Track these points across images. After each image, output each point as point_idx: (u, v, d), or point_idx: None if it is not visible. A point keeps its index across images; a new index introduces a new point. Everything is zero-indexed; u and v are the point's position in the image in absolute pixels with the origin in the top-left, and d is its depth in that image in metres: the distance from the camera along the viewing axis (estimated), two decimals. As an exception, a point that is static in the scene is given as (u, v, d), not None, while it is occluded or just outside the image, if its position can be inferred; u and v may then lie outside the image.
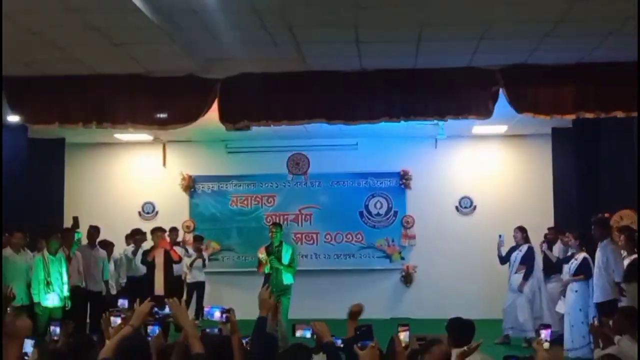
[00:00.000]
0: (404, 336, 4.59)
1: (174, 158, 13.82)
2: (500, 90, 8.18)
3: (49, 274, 9.37)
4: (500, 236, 10.60)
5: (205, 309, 4.75)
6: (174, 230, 11.93)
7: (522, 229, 10.58)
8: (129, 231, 11.86)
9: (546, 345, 4.74)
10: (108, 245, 11.16)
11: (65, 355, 4.64)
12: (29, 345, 4.68)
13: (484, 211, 13.23)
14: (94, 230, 10.96)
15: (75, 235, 10.36)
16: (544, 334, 4.87)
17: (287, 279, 9.96)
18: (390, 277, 13.41)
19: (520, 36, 7.29)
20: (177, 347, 4.38)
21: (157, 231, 10.51)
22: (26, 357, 4.59)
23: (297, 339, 4.62)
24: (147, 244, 11.22)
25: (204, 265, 12.14)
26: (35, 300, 9.35)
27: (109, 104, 8.62)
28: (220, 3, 6.27)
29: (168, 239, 10.60)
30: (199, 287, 12.14)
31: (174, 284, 10.54)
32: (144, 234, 11.53)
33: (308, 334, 4.56)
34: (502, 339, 10.34)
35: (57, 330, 5.80)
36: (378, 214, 13.47)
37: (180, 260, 10.87)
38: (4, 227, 9.48)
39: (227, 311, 4.61)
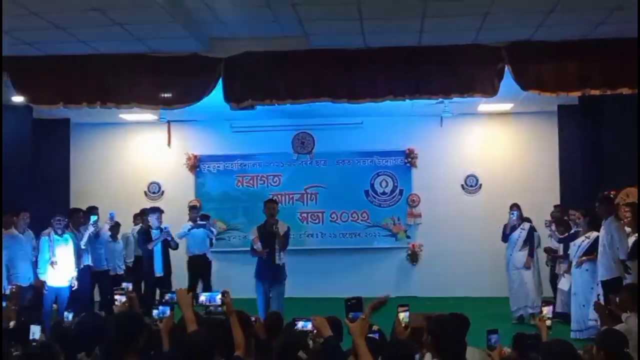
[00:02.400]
0: (403, 316, 4.63)
1: (179, 138, 13.81)
2: (506, 68, 8.13)
3: (54, 254, 9.39)
4: (512, 214, 10.53)
5: (205, 296, 4.75)
6: (193, 208, 12.07)
7: (517, 206, 10.57)
8: (134, 211, 11.86)
9: (549, 322, 4.76)
10: (115, 225, 11.17)
11: (76, 336, 4.69)
12: (37, 331, 4.72)
13: (490, 189, 13.20)
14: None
15: (91, 218, 10.34)
16: (547, 310, 4.88)
17: (279, 258, 9.07)
18: (396, 255, 13.42)
19: (525, 12, 7.23)
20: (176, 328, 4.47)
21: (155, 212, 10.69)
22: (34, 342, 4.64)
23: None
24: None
25: (210, 244, 12.07)
26: (41, 280, 9.38)
27: (113, 84, 8.64)
28: (223, -19, 6.25)
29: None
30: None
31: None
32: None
33: (308, 326, 4.60)
34: (517, 318, 10.34)
35: (70, 316, 5.87)
36: (384, 193, 13.46)
37: (177, 247, 10.93)
38: (10, 208, 9.51)
39: (222, 294, 4.65)
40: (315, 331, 4.49)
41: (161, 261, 10.45)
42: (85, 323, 4.87)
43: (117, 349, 3.77)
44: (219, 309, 4.71)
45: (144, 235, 10.58)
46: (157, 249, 10.44)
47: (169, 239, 10.59)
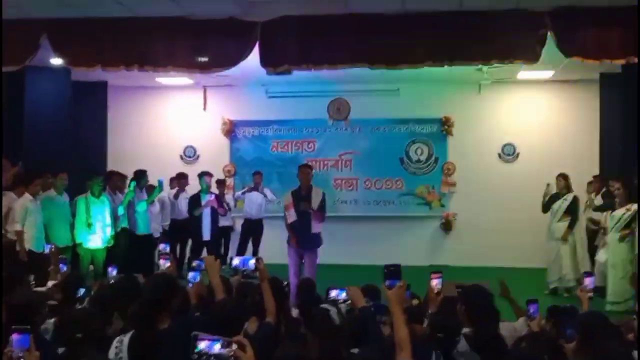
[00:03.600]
0: (436, 283, 4.60)
1: (215, 102, 13.84)
2: (548, 34, 7.94)
3: (90, 216, 9.50)
4: (548, 185, 10.40)
5: (239, 260, 4.78)
6: (221, 182, 12.11)
7: (565, 177, 10.39)
8: (170, 174, 11.95)
9: (590, 294, 4.69)
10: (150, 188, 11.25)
11: (112, 297, 4.76)
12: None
13: (527, 159, 13.03)
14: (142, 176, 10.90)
15: (131, 184, 10.42)
16: (588, 281, 4.80)
17: (314, 227, 8.92)
18: (430, 224, 13.37)
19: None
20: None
21: (205, 176, 10.74)
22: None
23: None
24: (190, 188, 11.50)
25: (229, 209, 12.14)
26: (77, 241, 9.52)
27: (150, 47, 8.66)
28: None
29: (215, 198, 10.68)
30: (224, 232, 12.19)
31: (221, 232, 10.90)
32: (187, 177, 11.72)
33: (342, 295, 4.58)
34: (551, 290, 10.24)
35: (114, 272, 5.97)
36: (418, 161, 13.36)
37: (226, 213, 11.06)
38: (48, 169, 9.64)
39: (256, 260, 4.68)
40: (349, 301, 4.49)
41: (209, 226, 10.53)
42: (120, 284, 4.93)
43: (150, 309, 3.81)
44: (254, 274, 4.74)
45: (193, 200, 10.67)
46: (206, 212, 10.52)
47: (215, 206, 10.62)
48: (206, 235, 10.51)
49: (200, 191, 10.74)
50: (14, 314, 3.81)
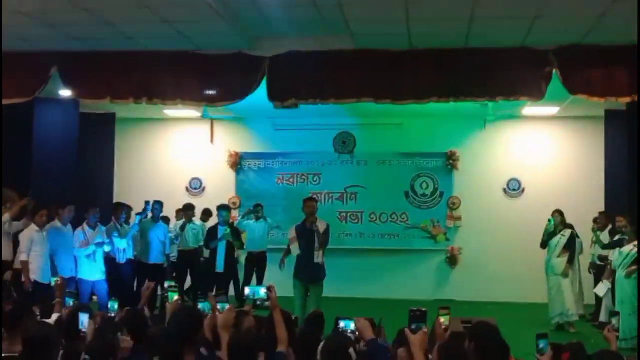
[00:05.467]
0: (444, 319, 4.59)
1: (222, 135, 13.93)
2: (554, 71, 8.01)
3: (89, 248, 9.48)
4: (549, 220, 10.42)
5: (250, 290, 4.80)
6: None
7: (560, 213, 10.41)
8: (177, 206, 11.98)
9: (617, 333, 4.63)
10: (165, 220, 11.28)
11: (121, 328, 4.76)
12: (86, 320, 4.78)
13: (533, 194, 13.03)
14: (158, 206, 10.89)
15: (136, 217, 10.44)
16: (615, 320, 4.75)
17: (317, 257, 8.88)
18: (435, 258, 13.33)
19: (576, 16, 7.10)
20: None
21: (223, 209, 10.88)
22: (83, 330, 4.70)
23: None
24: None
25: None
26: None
27: (159, 81, 8.74)
28: (270, -20, 6.27)
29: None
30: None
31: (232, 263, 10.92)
32: (194, 209, 11.76)
33: (351, 327, 4.58)
34: (557, 327, 10.17)
35: (115, 305, 5.96)
36: (424, 195, 13.38)
37: (241, 247, 11.07)
38: (55, 201, 9.66)
39: (267, 289, 4.70)
40: (357, 333, 4.48)
41: (224, 258, 10.56)
42: (128, 320, 4.93)
43: (177, 343, 3.81)
44: (265, 303, 4.75)
45: (210, 232, 10.76)
46: (222, 245, 10.57)
47: (231, 239, 10.64)
48: (220, 267, 10.55)
49: (217, 224, 10.79)
50: (29, 347, 3.78)
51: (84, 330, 4.66)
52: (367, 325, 4.27)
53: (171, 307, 4.80)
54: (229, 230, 10.59)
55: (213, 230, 10.76)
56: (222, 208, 10.96)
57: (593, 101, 8.34)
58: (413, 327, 3.56)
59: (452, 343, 4.20)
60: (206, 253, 11.43)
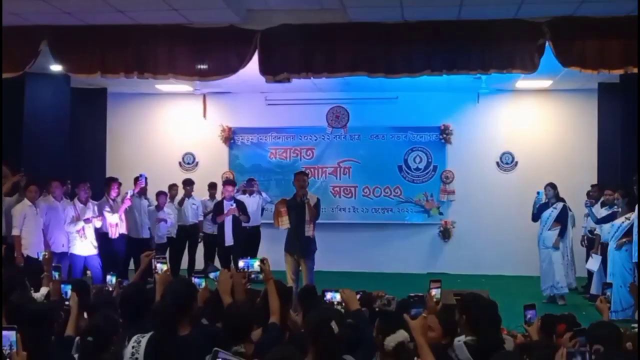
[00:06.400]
0: (436, 292, 4.63)
1: (214, 109, 13.87)
2: (547, 43, 7.98)
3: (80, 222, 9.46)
4: (538, 193, 10.47)
5: (244, 261, 4.83)
6: (213, 186, 12.15)
7: (553, 186, 10.44)
8: (169, 181, 11.94)
9: (609, 304, 4.68)
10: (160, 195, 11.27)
11: (120, 302, 4.77)
12: (69, 290, 4.81)
13: (526, 167, 13.06)
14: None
15: (128, 192, 10.40)
16: (609, 292, 4.80)
17: (307, 230, 8.94)
18: (428, 232, 13.38)
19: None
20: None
21: (227, 185, 10.96)
22: (66, 302, 4.72)
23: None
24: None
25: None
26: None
27: (150, 54, 8.67)
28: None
29: (237, 206, 10.65)
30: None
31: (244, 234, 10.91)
32: (193, 184, 11.80)
33: (337, 298, 4.64)
34: (548, 299, 10.26)
35: (113, 280, 5.99)
36: (417, 169, 13.39)
37: (248, 221, 10.96)
38: (48, 176, 9.64)
39: (261, 261, 4.74)
40: (343, 304, 4.53)
41: (231, 231, 10.60)
42: (129, 292, 4.94)
43: (173, 314, 3.83)
44: (259, 276, 4.79)
45: (217, 207, 10.81)
46: (228, 220, 10.60)
47: (237, 214, 10.62)
48: (229, 240, 10.59)
49: (223, 198, 10.82)
50: (30, 321, 3.78)
51: (67, 302, 4.70)
52: (353, 296, 4.32)
53: (160, 278, 4.80)
54: (234, 204, 10.60)
55: (219, 205, 10.78)
56: (227, 182, 11.04)
57: (586, 73, 8.31)
58: (412, 312, 3.60)
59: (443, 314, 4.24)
60: (207, 228, 11.57)
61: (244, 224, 10.83)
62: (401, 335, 3.62)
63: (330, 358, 3.54)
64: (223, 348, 3.65)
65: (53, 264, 6.10)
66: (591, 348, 3.56)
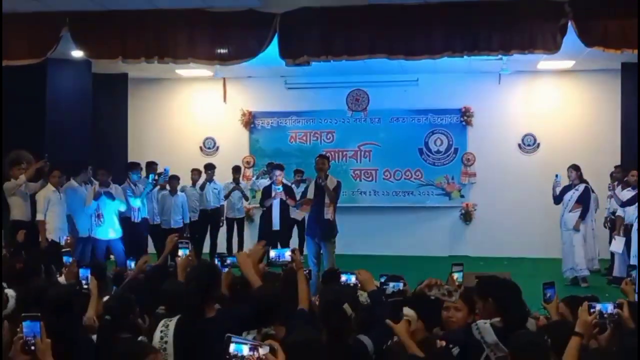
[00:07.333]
0: (457, 275, 4.64)
1: (234, 94, 13.88)
2: (569, 23, 7.88)
3: (99, 207, 9.53)
4: (556, 176, 10.39)
5: (275, 252, 4.83)
6: (237, 170, 12.29)
7: (576, 168, 10.33)
8: (191, 166, 11.99)
9: (634, 286, 4.64)
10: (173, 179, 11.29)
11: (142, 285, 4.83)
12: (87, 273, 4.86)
13: (548, 149, 12.94)
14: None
15: (150, 176, 10.45)
16: (634, 275, 4.76)
17: (326, 213, 8.91)
18: (450, 214, 13.34)
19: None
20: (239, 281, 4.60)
21: (275, 169, 10.93)
22: (85, 285, 4.77)
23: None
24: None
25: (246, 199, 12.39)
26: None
27: (170, 39, 8.70)
28: None
29: (284, 191, 10.68)
30: (239, 223, 12.30)
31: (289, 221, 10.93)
32: (215, 168, 11.85)
33: (352, 280, 4.65)
34: (571, 281, 10.19)
35: (132, 264, 6.06)
36: (438, 151, 13.33)
37: (295, 205, 10.84)
38: (71, 161, 9.73)
39: (292, 251, 4.73)
40: (359, 285, 4.55)
41: (279, 216, 10.65)
42: (154, 275, 4.99)
43: (199, 297, 3.86)
44: (290, 265, 4.81)
45: (265, 191, 10.87)
46: (276, 204, 10.65)
47: (284, 198, 10.66)
48: (276, 225, 10.64)
49: (272, 183, 10.83)
50: (52, 307, 3.83)
51: (85, 285, 4.74)
52: (369, 276, 4.34)
53: (181, 263, 4.84)
54: (281, 189, 10.61)
55: (268, 189, 10.82)
56: (276, 167, 10.97)
57: (609, 53, 8.20)
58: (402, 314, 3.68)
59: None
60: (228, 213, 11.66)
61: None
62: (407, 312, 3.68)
63: (341, 338, 3.58)
64: (250, 329, 3.70)
65: (63, 250, 6.16)
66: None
